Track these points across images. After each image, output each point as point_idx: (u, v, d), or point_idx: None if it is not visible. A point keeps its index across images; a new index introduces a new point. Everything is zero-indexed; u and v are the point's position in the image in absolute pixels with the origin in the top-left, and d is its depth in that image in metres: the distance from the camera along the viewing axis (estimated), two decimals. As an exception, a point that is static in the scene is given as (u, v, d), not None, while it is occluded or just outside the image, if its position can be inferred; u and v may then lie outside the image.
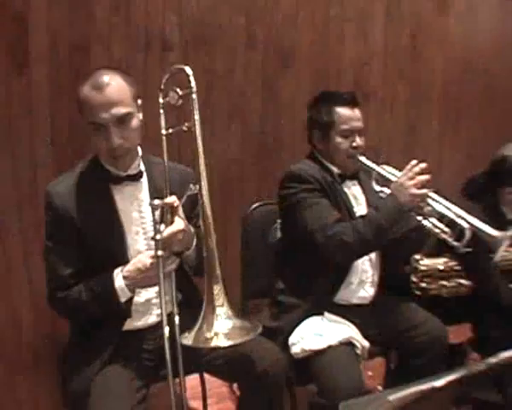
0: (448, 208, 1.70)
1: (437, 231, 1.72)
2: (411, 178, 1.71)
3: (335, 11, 2.64)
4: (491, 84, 3.13)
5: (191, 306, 1.49)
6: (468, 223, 1.65)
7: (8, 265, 2.08)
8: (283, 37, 2.53)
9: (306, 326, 1.75)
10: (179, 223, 1.41)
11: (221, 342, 1.29)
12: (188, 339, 1.30)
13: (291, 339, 1.73)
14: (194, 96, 1.42)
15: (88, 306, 1.46)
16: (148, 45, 2.25)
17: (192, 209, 1.55)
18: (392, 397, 0.89)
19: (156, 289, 1.47)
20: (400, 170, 1.81)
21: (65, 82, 2.06)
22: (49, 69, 2.06)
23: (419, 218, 1.75)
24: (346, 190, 1.90)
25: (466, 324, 2.11)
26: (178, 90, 1.45)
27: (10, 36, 1.98)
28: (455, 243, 1.67)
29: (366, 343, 1.74)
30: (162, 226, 1.38)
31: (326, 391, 1.59)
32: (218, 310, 1.31)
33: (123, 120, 1.45)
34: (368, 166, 1.86)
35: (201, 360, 1.57)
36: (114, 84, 1.45)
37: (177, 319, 1.42)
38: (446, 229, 1.70)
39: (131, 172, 1.57)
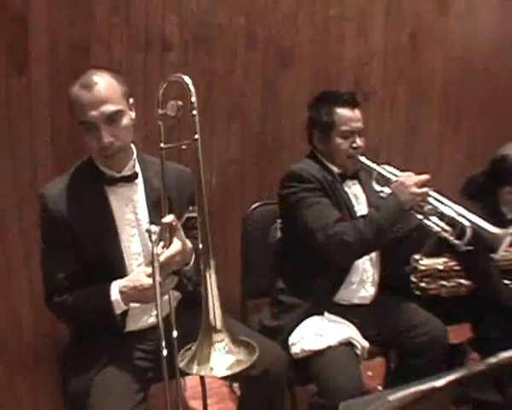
0: (449, 207, 1.70)
1: (438, 229, 1.72)
2: (412, 178, 1.72)
3: (335, 11, 2.64)
4: (491, 84, 3.13)
5: (191, 305, 1.49)
6: (469, 221, 1.65)
7: (8, 265, 2.08)
8: (283, 37, 2.53)
9: (306, 326, 1.75)
10: (177, 244, 1.40)
11: (216, 373, 1.24)
12: (183, 363, 1.25)
13: (291, 339, 1.74)
14: (194, 111, 1.33)
15: (84, 314, 1.47)
16: (148, 45, 2.25)
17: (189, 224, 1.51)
18: (392, 397, 0.88)
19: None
20: (400, 170, 1.81)
21: (65, 82, 2.04)
22: (49, 69, 2.06)
23: (420, 217, 1.75)
24: (346, 189, 1.90)
25: (466, 324, 2.11)
26: (180, 102, 1.37)
27: (10, 36, 1.98)
28: (456, 242, 1.67)
29: (366, 343, 1.74)
30: (160, 249, 1.36)
31: (326, 391, 1.59)
32: (217, 345, 1.25)
33: (113, 117, 1.44)
34: (368, 166, 1.87)
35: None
36: (103, 83, 1.44)
37: (174, 333, 1.38)
38: (447, 227, 1.70)
39: (126, 173, 1.56)
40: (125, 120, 1.48)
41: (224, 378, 1.77)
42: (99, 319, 1.46)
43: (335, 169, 1.90)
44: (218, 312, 1.26)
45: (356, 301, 1.86)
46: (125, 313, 1.48)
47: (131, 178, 1.56)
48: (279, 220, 2.00)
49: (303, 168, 1.84)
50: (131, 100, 1.54)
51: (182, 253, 1.41)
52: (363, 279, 1.87)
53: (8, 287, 2.09)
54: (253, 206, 2.13)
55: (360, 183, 1.95)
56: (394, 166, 1.85)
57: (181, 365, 1.26)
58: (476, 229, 1.64)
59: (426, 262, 1.99)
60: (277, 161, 2.53)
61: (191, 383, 2.20)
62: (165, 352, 1.28)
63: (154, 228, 1.38)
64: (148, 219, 1.56)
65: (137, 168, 1.59)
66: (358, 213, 1.84)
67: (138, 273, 1.44)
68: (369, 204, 1.90)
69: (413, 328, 1.81)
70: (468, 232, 1.64)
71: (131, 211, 1.56)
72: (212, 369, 1.22)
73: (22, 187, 2.06)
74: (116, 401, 1.39)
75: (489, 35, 3.10)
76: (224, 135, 2.48)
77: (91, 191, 1.52)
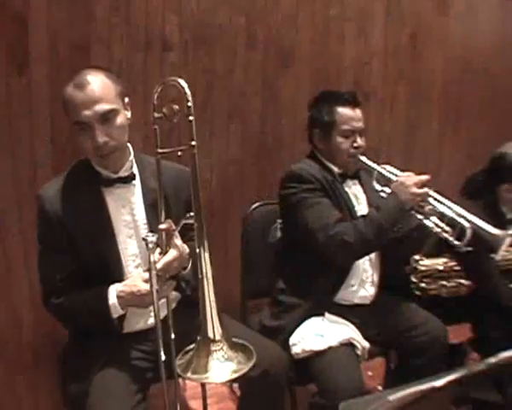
0: (449, 207, 1.70)
1: (438, 230, 1.72)
2: (412, 178, 1.72)
3: (335, 11, 2.64)
4: (491, 84, 3.13)
5: (190, 305, 1.49)
6: (469, 221, 1.65)
7: (8, 265, 2.08)
8: (283, 37, 2.53)
9: (307, 327, 1.75)
10: (174, 250, 1.39)
11: (213, 379, 1.24)
12: (180, 368, 1.25)
13: (291, 339, 1.74)
14: (191, 117, 1.30)
15: (81, 317, 1.47)
16: (148, 45, 2.25)
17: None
18: (392, 397, 0.88)
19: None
20: (400, 170, 1.81)
21: (65, 82, 2.03)
22: (49, 69, 2.06)
23: (420, 217, 1.75)
24: (346, 189, 1.90)
25: (466, 324, 2.11)
26: (175, 106, 1.35)
27: (10, 36, 1.98)
28: (456, 242, 1.67)
29: (366, 344, 1.74)
30: (157, 255, 1.36)
31: (326, 392, 1.59)
32: (216, 354, 1.24)
33: (107, 117, 1.44)
34: (369, 166, 1.86)
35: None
36: (96, 82, 1.44)
37: (172, 336, 1.38)
38: (447, 228, 1.70)
39: (123, 174, 1.55)
40: (120, 119, 1.47)
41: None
42: (96, 322, 1.46)
43: (336, 169, 1.90)
44: (216, 320, 1.26)
45: (356, 301, 1.86)
46: (122, 317, 1.48)
47: (128, 179, 1.56)
48: (279, 220, 2.00)
49: (303, 168, 1.84)
50: (127, 99, 1.53)
51: (179, 259, 1.41)
52: (363, 279, 1.87)
53: (8, 287, 2.09)
54: (253, 206, 2.13)
55: (360, 183, 1.95)
56: (394, 167, 1.85)
57: (179, 370, 1.25)
58: (476, 230, 1.64)
59: (426, 262, 1.99)
60: (277, 161, 2.53)
61: (191, 383, 2.19)
62: (163, 356, 1.29)
63: (151, 238, 1.36)
64: (145, 221, 1.55)
65: (135, 169, 1.58)
66: (359, 213, 1.84)
67: (135, 278, 1.44)
68: (370, 204, 1.90)
69: (413, 328, 1.81)
70: (468, 233, 1.64)
71: (128, 212, 1.55)
72: (208, 378, 1.22)
73: (22, 187, 2.06)
74: (115, 401, 1.39)
75: (489, 35, 3.10)
76: (223, 135, 2.48)
77: (88, 192, 1.52)
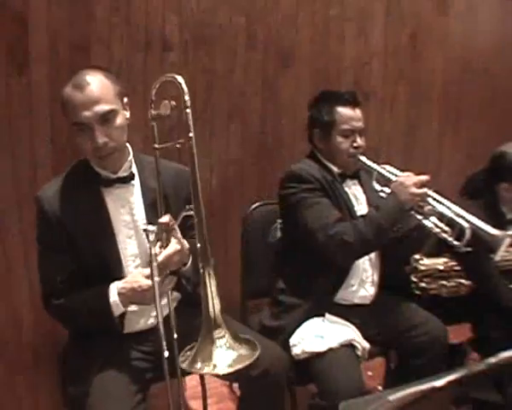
0: (448, 207, 1.70)
1: (437, 230, 1.72)
2: (411, 178, 1.72)
3: (335, 11, 2.64)
4: (491, 84, 3.13)
5: (190, 305, 1.49)
6: (468, 222, 1.65)
7: (8, 265, 2.08)
8: (283, 37, 2.53)
9: (307, 328, 1.75)
10: (175, 244, 1.39)
11: (219, 370, 1.24)
12: (185, 363, 1.26)
13: (292, 340, 1.73)
14: (188, 110, 1.34)
15: (82, 317, 1.46)
16: (148, 45, 2.25)
17: (186, 225, 1.50)
18: (392, 397, 0.88)
19: None
20: (400, 170, 1.81)
21: (65, 82, 2.03)
22: (49, 69, 2.06)
23: (419, 217, 1.75)
24: (346, 189, 1.90)
25: (466, 324, 2.11)
26: (173, 102, 1.38)
27: (10, 36, 1.98)
28: (455, 243, 1.67)
29: (366, 345, 1.74)
30: (157, 249, 1.36)
31: (326, 393, 1.59)
32: (219, 342, 1.25)
33: (106, 117, 1.43)
34: (368, 166, 1.86)
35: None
36: (96, 83, 1.43)
37: (175, 335, 1.39)
38: (446, 228, 1.70)
39: (122, 174, 1.55)
40: (119, 120, 1.47)
41: (226, 378, 1.77)
42: (97, 321, 1.45)
43: (335, 169, 1.90)
44: (218, 308, 1.27)
45: (356, 301, 1.86)
46: (122, 316, 1.48)
47: (128, 179, 1.55)
48: (279, 220, 2.00)
49: (303, 168, 1.84)
50: (126, 99, 1.53)
51: (180, 253, 1.41)
52: (363, 279, 1.87)
53: (8, 287, 2.09)
54: (253, 206, 2.13)
55: (360, 183, 1.95)
56: (394, 167, 1.85)
57: (183, 365, 1.26)
58: (475, 230, 1.64)
59: (426, 262, 1.99)
60: (277, 161, 2.53)
61: (191, 383, 2.20)
62: (166, 353, 1.28)
63: (152, 227, 1.37)
64: (145, 221, 1.55)
65: (134, 169, 1.58)
66: (358, 213, 1.84)
67: (136, 275, 1.44)
68: (369, 204, 1.90)
69: (413, 328, 1.81)
70: (467, 233, 1.64)
71: (128, 212, 1.55)
72: (215, 366, 1.22)
73: (22, 187, 2.06)
74: (115, 401, 1.39)
75: (489, 35, 3.10)
76: (223, 135, 2.48)
77: (87, 193, 1.51)
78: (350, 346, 1.70)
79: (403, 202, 1.71)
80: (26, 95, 2.03)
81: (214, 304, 1.27)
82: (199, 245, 1.30)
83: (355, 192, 1.93)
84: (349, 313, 1.81)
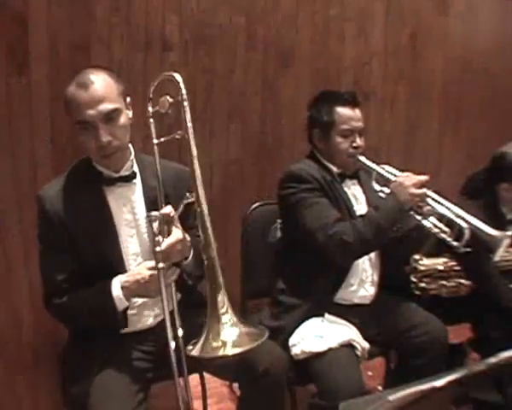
0: (447, 208, 1.70)
1: (436, 230, 1.72)
2: (411, 178, 1.72)
3: (335, 11, 2.64)
4: (491, 84, 3.13)
5: (190, 305, 1.50)
6: (468, 222, 1.65)
7: (8, 265, 2.08)
8: (283, 37, 2.53)
9: (307, 328, 1.75)
10: (177, 233, 1.40)
11: (229, 350, 1.26)
12: (194, 350, 1.28)
13: (291, 340, 1.73)
14: (185, 103, 1.42)
15: (84, 314, 1.46)
16: (148, 45, 2.25)
17: (187, 219, 1.53)
18: (392, 397, 0.88)
19: None
20: (400, 170, 1.81)
21: (65, 82, 2.02)
22: (49, 69, 2.06)
23: (418, 217, 1.75)
24: (346, 189, 1.90)
25: (466, 324, 2.11)
26: (168, 98, 1.45)
27: (10, 36, 1.98)
28: (454, 243, 1.67)
29: (366, 344, 1.74)
30: (160, 238, 1.37)
31: (326, 392, 1.59)
32: (224, 318, 1.29)
33: (110, 116, 1.44)
34: (368, 166, 1.86)
35: (202, 360, 1.57)
36: (100, 82, 1.44)
37: (180, 332, 1.40)
38: (446, 228, 1.70)
39: (124, 173, 1.55)
40: (123, 119, 1.48)
41: (226, 378, 1.76)
42: (100, 318, 1.45)
43: (335, 169, 1.90)
44: (222, 285, 1.31)
45: (356, 301, 1.86)
46: (125, 312, 1.48)
47: (129, 177, 1.56)
48: (279, 220, 2.00)
49: (302, 168, 1.84)
50: (128, 99, 1.54)
51: (182, 242, 1.41)
52: (363, 279, 1.87)
53: (8, 287, 2.09)
54: (253, 206, 2.13)
55: (360, 183, 1.95)
56: (394, 167, 1.85)
57: (193, 352, 1.27)
58: (474, 230, 1.64)
59: (426, 262, 1.99)
60: (277, 161, 2.53)
61: (191, 382, 2.18)
62: (173, 344, 1.32)
63: (155, 213, 1.39)
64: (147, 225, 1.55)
65: (135, 168, 1.58)
66: (358, 213, 1.84)
67: (139, 267, 1.45)
68: (369, 204, 1.90)
69: (413, 328, 1.81)
70: (466, 234, 1.64)
71: (130, 211, 1.56)
72: (224, 344, 1.25)
73: (22, 187, 2.06)
74: (116, 402, 1.39)
75: (489, 35, 3.10)
76: (223, 135, 2.48)
77: (89, 192, 1.52)
78: (349, 346, 1.70)
79: (402, 203, 1.71)
80: (26, 95, 2.03)
81: (218, 284, 1.31)
82: (201, 230, 1.35)
83: (354, 192, 1.93)
84: (349, 313, 1.81)
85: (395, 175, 1.79)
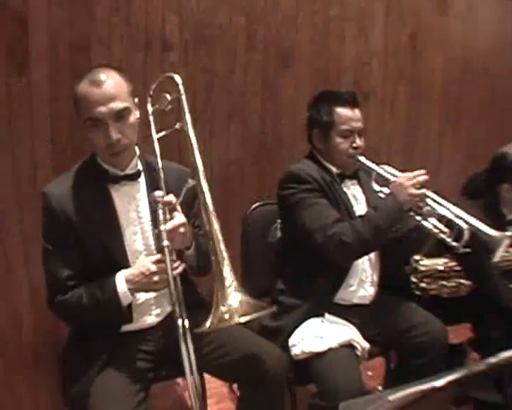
0: (447, 208, 1.70)
1: (436, 231, 1.72)
2: (410, 178, 1.72)
3: (335, 11, 2.64)
4: (491, 84, 3.13)
5: (190, 306, 1.49)
6: (467, 223, 1.65)
7: (8, 265, 2.08)
8: (283, 37, 2.53)
9: (306, 328, 1.75)
10: (180, 217, 1.43)
11: (239, 319, 1.27)
12: (206, 325, 1.29)
13: (291, 340, 1.73)
14: (183, 97, 1.52)
15: (89, 310, 1.45)
16: (148, 45, 2.25)
17: (188, 211, 1.55)
18: (392, 397, 0.88)
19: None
20: (400, 170, 1.81)
21: (65, 82, 2.06)
22: (49, 69, 2.06)
23: (418, 218, 1.75)
24: (345, 189, 1.90)
25: (466, 324, 2.11)
26: (167, 95, 1.53)
27: (10, 36, 1.98)
28: (453, 244, 1.67)
29: (366, 345, 1.74)
30: (162, 218, 1.40)
31: (326, 393, 1.59)
32: (229, 288, 1.30)
33: (121, 114, 1.45)
34: (367, 167, 1.86)
35: (202, 360, 1.57)
36: (112, 80, 1.46)
37: (186, 322, 1.40)
38: (445, 229, 1.70)
39: (129, 171, 1.56)
40: (132, 118, 1.50)
41: (226, 379, 1.76)
42: (104, 313, 1.45)
43: (334, 169, 1.90)
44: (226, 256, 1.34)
45: (355, 301, 1.86)
46: (130, 307, 1.49)
47: (134, 176, 1.57)
48: (279, 220, 2.00)
49: (301, 169, 1.84)
50: (136, 99, 1.56)
51: (185, 226, 1.43)
52: (362, 279, 1.87)
53: (8, 287, 2.09)
54: (253, 206, 2.13)
55: (359, 183, 1.95)
56: (394, 167, 1.85)
57: (206, 324, 1.27)
58: (474, 231, 1.64)
59: (426, 263, 1.99)
60: (277, 161, 2.53)
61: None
62: (186, 322, 1.35)
63: (159, 193, 1.42)
64: (149, 218, 1.57)
65: (140, 167, 1.60)
66: (357, 214, 1.84)
67: (144, 260, 1.46)
68: (369, 204, 1.90)
69: (413, 328, 1.81)
70: (466, 234, 1.64)
71: (134, 209, 1.57)
72: (233, 312, 1.26)
73: (22, 187, 2.06)
74: (116, 402, 1.39)
75: (489, 35, 3.10)
76: (223, 135, 2.48)
77: (95, 190, 1.52)
78: (349, 346, 1.70)
79: (401, 203, 1.71)
80: (26, 95, 2.03)
81: (222, 256, 1.34)
82: (204, 211, 1.40)
83: (354, 192, 1.93)
84: (348, 313, 1.81)
85: (395, 175, 1.79)
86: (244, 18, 2.43)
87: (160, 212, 1.41)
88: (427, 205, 1.72)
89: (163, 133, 1.58)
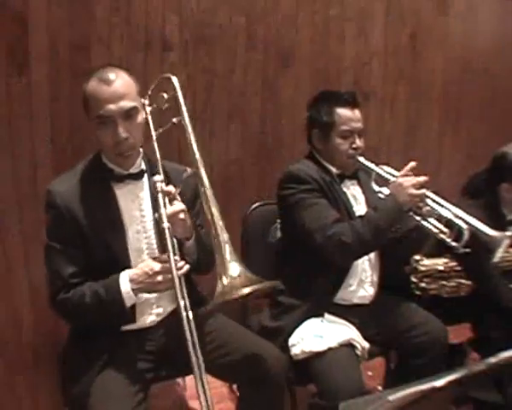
0: (446, 209, 1.70)
1: (436, 231, 1.72)
2: (410, 179, 1.72)
3: (335, 11, 2.64)
4: (491, 84, 3.13)
5: (191, 305, 1.49)
6: (467, 223, 1.65)
7: (8, 265, 2.08)
8: (283, 37, 2.53)
9: (306, 328, 1.75)
10: (180, 204, 1.44)
11: (242, 290, 1.28)
12: (212, 302, 1.31)
13: (291, 340, 1.73)
14: (179, 93, 1.57)
15: (91, 309, 1.45)
16: (148, 45, 2.25)
17: (190, 209, 1.55)
18: (392, 397, 0.89)
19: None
20: (400, 170, 1.81)
21: (65, 82, 2.06)
22: (49, 69, 2.06)
23: (418, 218, 1.75)
24: (345, 190, 1.90)
25: (466, 324, 2.11)
26: (165, 94, 1.56)
27: (10, 36, 1.98)
28: (453, 244, 1.67)
29: (366, 344, 1.74)
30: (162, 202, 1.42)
31: (326, 392, 1.59)
32: (232, 263, 1.33)
33: (129, 113, 1.47)
34: (367, 167, 1.86)
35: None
36: (121, 79, 1.47)
37: (190, 313, 1.40)
38: (445, 229, 1.70)
39: (133, 170, 1.57)
40: (140, 118, 1.51)
41: (226, 379, 1.76)
42: (107, 313, 1.45)
43: (334, 169, 1.90)
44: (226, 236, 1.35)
45: (355, 301, 1.86)
46: (133, 307, 1.49)
47: (138, 175, 1.58)
48: (279, 220, 2.00)
49: (301, 169, 1.84)
50: (143, 100, 1.57)
51: (185, 213, 1.44)
52: (362, 279, 1.87)
53: (8, 287, 2.09)
54: (253, 206, 2.13)
55: (359, 183, 1.95)
56: (393, 167, 1.85)
57: (216, 299, 1.28)
58: (474, 231, 1.64)
59: (426, 263, 1.99)
60: (277, 161, 2.53)
61: (191, 383, 2.19)
62: (190, 314, 1.35)
63: (159, 177, 1.44)
64: (152, 217, 1.57)
65: (143, 166, 1.61)
66: (357, 214, 1.84)
67: (147, 260, 1.47)
68: (368, 205, 1.90)
69: (413, 328, 1.81)
70: (466, 234, 1.64)
71: (137, 208, 1.57)
72: (235, 286, 1.28)
73: (22, 187, 2.06)
74: (116, 402, 1.39)
75: (489, 35, 3.10)
76: (223, 135, 2.48)
77: (99, 189, 1.53)
78: (349, 346, 1.70)
79: (401, 203, 1.70)
80: (26, 95, 2.04)
81: (222, 236, 1.35)
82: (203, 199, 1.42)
83: (354, 193, 1.93)
84: (348, 313, 1.81)
85: (394, 176, 1.79)
86: (244, 18, 2.43)
87: (160, 196, 1.42)
88: (427, 205, 1.72)
89: (162, 130, 1.60)
